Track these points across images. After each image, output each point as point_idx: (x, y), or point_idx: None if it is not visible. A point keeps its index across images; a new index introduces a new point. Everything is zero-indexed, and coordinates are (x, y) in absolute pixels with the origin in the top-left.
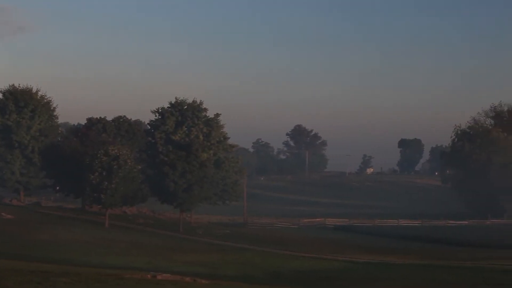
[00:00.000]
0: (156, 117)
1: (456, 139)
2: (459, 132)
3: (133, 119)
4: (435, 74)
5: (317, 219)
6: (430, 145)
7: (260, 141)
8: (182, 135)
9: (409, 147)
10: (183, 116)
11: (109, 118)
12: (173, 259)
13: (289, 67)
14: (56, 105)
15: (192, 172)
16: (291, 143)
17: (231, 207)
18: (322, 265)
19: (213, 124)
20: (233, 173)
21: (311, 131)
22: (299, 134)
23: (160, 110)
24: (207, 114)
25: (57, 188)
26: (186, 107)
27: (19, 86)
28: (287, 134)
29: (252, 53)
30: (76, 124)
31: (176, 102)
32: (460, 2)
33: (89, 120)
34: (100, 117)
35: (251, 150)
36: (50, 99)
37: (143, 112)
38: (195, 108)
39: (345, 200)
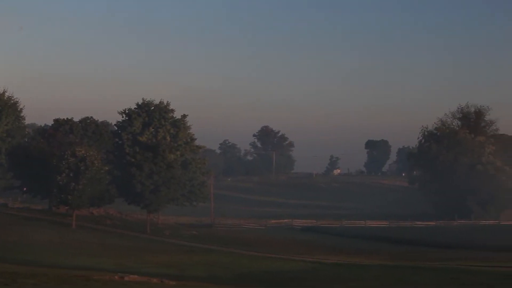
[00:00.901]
0: (123, 118)
1: (423, 140)
2: (426, 133)
3: (100, 120)
4: (401, 75)
5: (284, 220)
6: (397, 146)
7: (227, 142)
8: (149, 136)
9: (376, 148)
10: (150, 117)
11: (76, 119)
12: (141, 260)
13: (256, 68)
14: (23, 106)
15: (159, 173)
16: (258, 144)
17: (198, 208)
18: (290, 266)
19: (180, 125)
20: (200, 174)
21: (278, 132)
22: (266, 135)
23: (127, 111)
24: (174, 115)
25: (24, 189)
26: (153, 108)
27: None
28: (254, 135)
29: (219, 54)
30: (43, 125)
31: (143, 103)
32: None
33: (56, 121)
34: (67, 118)
35: (218, 151)
36: (17, 100)
37: (110, 113)
38: (162, 109)
39: (312, 201)
